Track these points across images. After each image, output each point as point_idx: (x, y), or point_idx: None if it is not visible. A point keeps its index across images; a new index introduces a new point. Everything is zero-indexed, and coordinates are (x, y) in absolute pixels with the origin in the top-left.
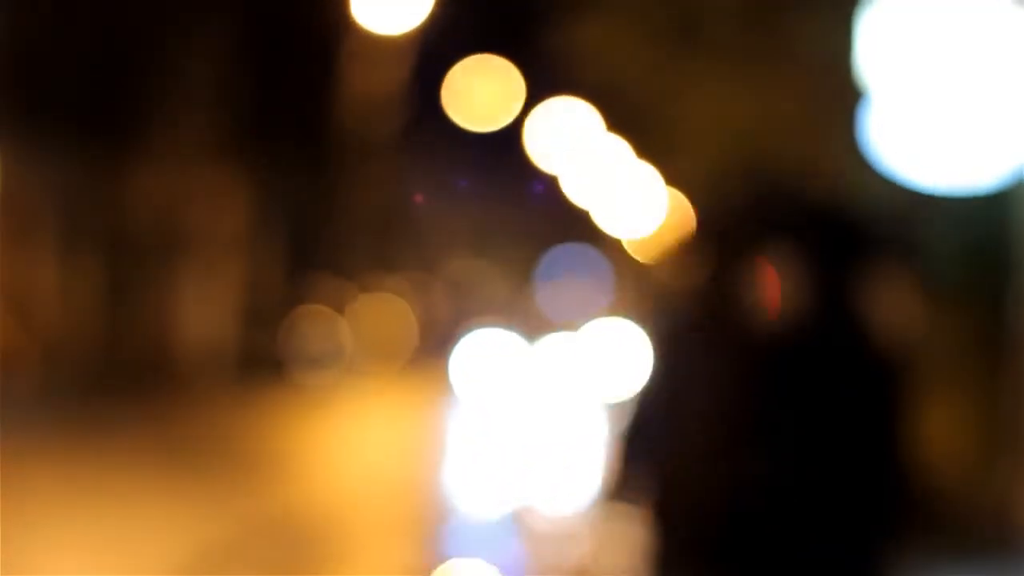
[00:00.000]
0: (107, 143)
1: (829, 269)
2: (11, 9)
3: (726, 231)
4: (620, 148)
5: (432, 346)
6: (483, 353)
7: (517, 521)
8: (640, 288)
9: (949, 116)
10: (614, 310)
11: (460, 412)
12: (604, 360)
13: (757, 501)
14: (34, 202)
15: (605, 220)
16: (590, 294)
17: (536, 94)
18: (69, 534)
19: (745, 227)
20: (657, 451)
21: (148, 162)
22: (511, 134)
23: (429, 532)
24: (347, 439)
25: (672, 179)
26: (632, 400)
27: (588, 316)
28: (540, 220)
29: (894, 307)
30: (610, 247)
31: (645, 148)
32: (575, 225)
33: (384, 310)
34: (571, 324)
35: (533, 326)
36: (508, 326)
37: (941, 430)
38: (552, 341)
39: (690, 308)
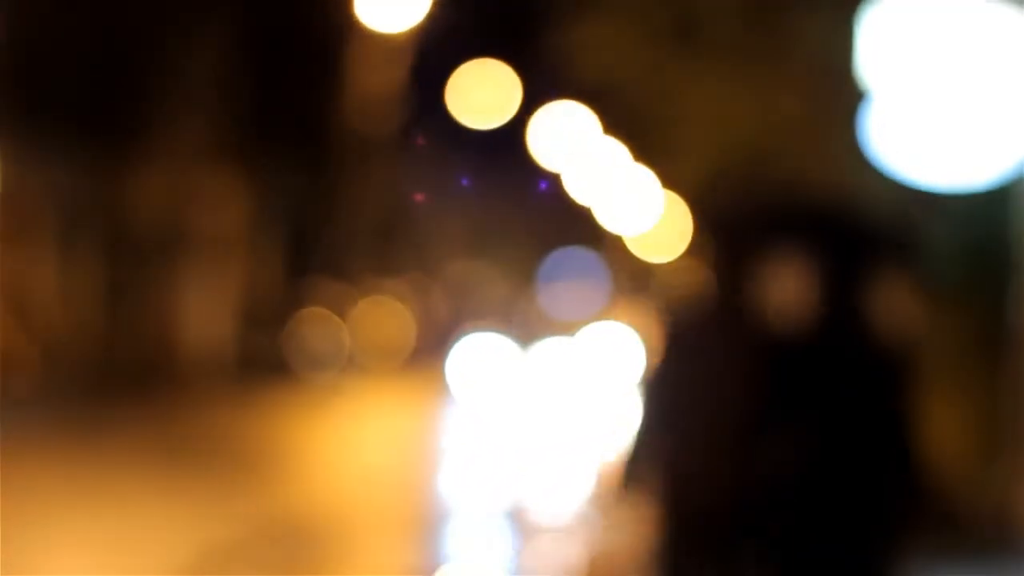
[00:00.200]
0: (108, 143)
1: (836, 269)
2: (11, 9)
3: (734, 232)
4: (617, 151)
5: (430, 349)
6: (479, 357)
7: (515, 521)
8: (642, 287)
9: (948, 115)
10: (611, 314)
11: (457, 414)
12: (601, 363)
13: (765, 497)
14: (34, 202)
15: (607, 218)
16: (589, 297)
17: (537, 97)
18: (69, 534)
19: (753, 228)
20: (665, 448)
21: (148, 162)
22: (511, 137)
23: (429, 533)
24: (346, 440)
25: (669, 182)
26: (637, 399)
27: (587, 319)
28: (540, 223)
29: (896, 306)
30: (611, 248)
31: (644, 150)
32: (576, 225)
33: (383, 313)
34: (569, 328)
35: (531, 329)
36: (504, 331)
37: (941, 430)
38: (549, 345)
39: (698, 307)
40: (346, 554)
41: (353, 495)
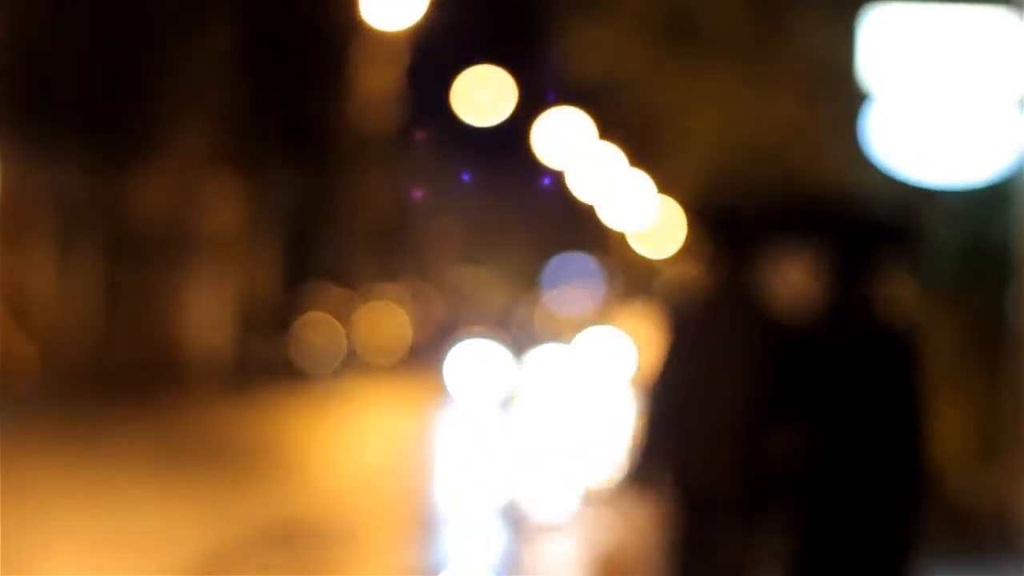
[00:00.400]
0: (108, 144)
1: (843, 264)
2: (12, 10)
3: (740, 229)
4: (615, 154)
5: (428, 351)
6: (475, 361)
7: (515, 520)
8: (643, 289)
9: (946, 114)
10: (610, 316)
11: (455, 415)
12: (597, 366)
13: (776, 487)
14: (34, 202)
15: (608, 215)
16: (589, 300)
17: (537, 101)
18: (69, 533)
19: (760, 225)
20: (674, 444)
21: (149, 163)
22: (511, 142)
23: (428, 533)
24: (345, 441)
25: (665, 185)
26: (633, 399)
27: (586, 323)
28: (541, 227)
29: (897, 299)
30: (613, 249)
31: (642, 152)
32: (578, 227)
33: (383, 317)
34: (566, 333)
35: (528, 334)
36: (500, 335)
37: (941, 430)
38: (546, 350)
39: (703, 304)
40: (347, 555)
41: (353, 496)
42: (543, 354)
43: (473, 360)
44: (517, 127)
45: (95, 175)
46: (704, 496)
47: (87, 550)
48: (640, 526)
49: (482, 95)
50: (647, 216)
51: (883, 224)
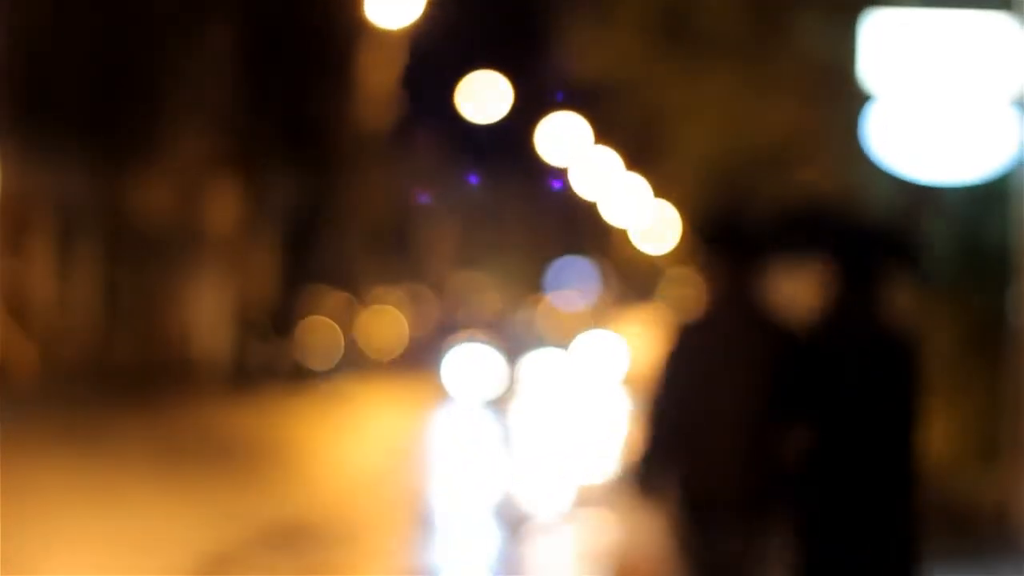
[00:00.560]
0: (108, 145)
1: (849, 268)
2: (12, 11)
3: (747, 235)
4: (613, 156)
5: (425, 355)
6: (471, 365)
7: (514, 519)
8: (644, 292)
9: (945, 114)
10: (606, 321)
11: (451, 418)
12: (593, 369)
13: (784, 488)
14: (34, 202)
15: (610, 212)
16: (587, 303)
17: (540, 104)
18: (69, 533)
19: (767, 231)
20: (680, 445)
21: (149, 164)
22: (512, 147)
23: (427, 534)
24: (344, 443)
25: (664, 186)
26: (649, 397)
27: (582, 327)
28: (540, 232)
29: (897, 303)
30: (613, 249)
31: (640, 155)
32: (578, 228)
33: (382, 321)
34: (563, 337)
35: (526, 338)
36: (496, 340)
37: (941, 430)
38: (543, 354)
39: (711, 304)
40: (346, 555)
41: (352, 497)
42: (540, 357)
43: (470, 363)
44: (518, 130)
45: (95, 175)
46: (707, 499)
47: (87, 550)
48: (641, 525)
49: (483, 98)
50: (647, 213)
51: (884, 235)
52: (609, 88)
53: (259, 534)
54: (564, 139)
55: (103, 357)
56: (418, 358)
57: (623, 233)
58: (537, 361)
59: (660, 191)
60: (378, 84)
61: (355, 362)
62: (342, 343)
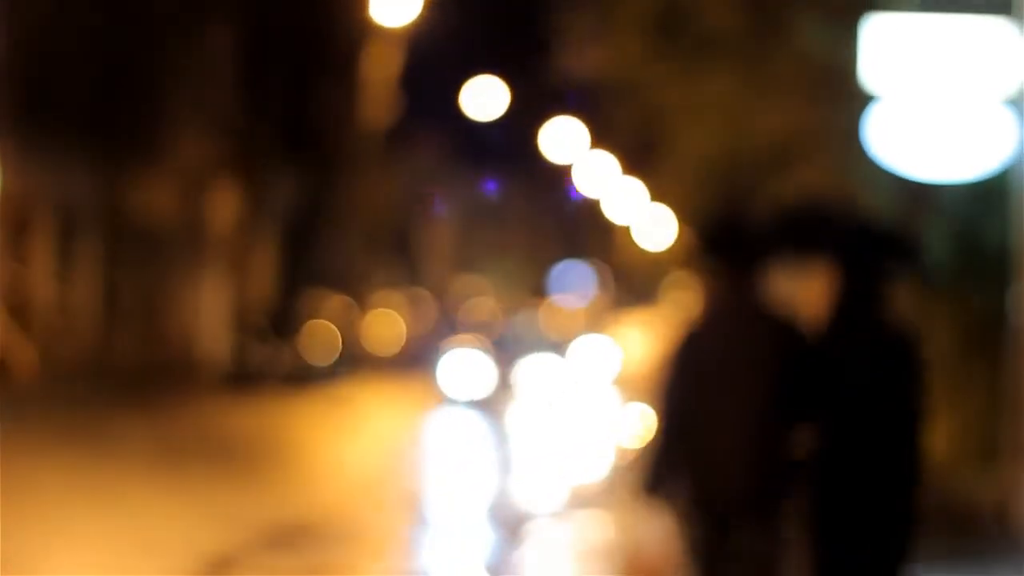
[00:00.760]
0: (109, 146)
1: (855, 267)
2: (13, 11)
3: (752, 236)
4: (612, 158)
5: (424, 358)
6: (469, 367)
7: (507, 520)
8: (645, 295)
9: (945, 115)
10: (603, 325)
11: (449, 419)
12: (589, 372)
13: (793, 484)
14: (34, 204)
15: (611, 211)
16: (586, 306)
17: (541, 106)
18: (69, 534)
19: (772, 232)
20: (689, 445)
21: (150, 165)
22: (514, 150)
23: (425, 534)
24: (343, 444)
25: (664, 187)
26: (658, 400)
27: (579, 331)
28: (540, 235)
29: (899, 302)
30: (613, 250)
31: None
32: (578, 230)
33: (381, 324)
34: (559, 341)
35: (524, 341)
36: (494, 343)
37: (941, 430)
38: (540, 356)
39: (717, 306)
40: (346, 555)
41: (352, 497)
42: (539, 359)
43: (468, 366)
44: (518, 132)
45: (96, 175)
46: (716, 497)
47: (87, 550)
48: (644, 523)
49: (484, 100)
50: (647, 212)
51: (887, 233)
52: (609, 89)
53: (259, 534)
54: (565, 141)
55: (103, 357)
56: (417, 360)
57: (624, 233)
58: (535, 363)
59: (660, 191)
60: (379, 86)
61: (354, 364)
62: (341, 345)
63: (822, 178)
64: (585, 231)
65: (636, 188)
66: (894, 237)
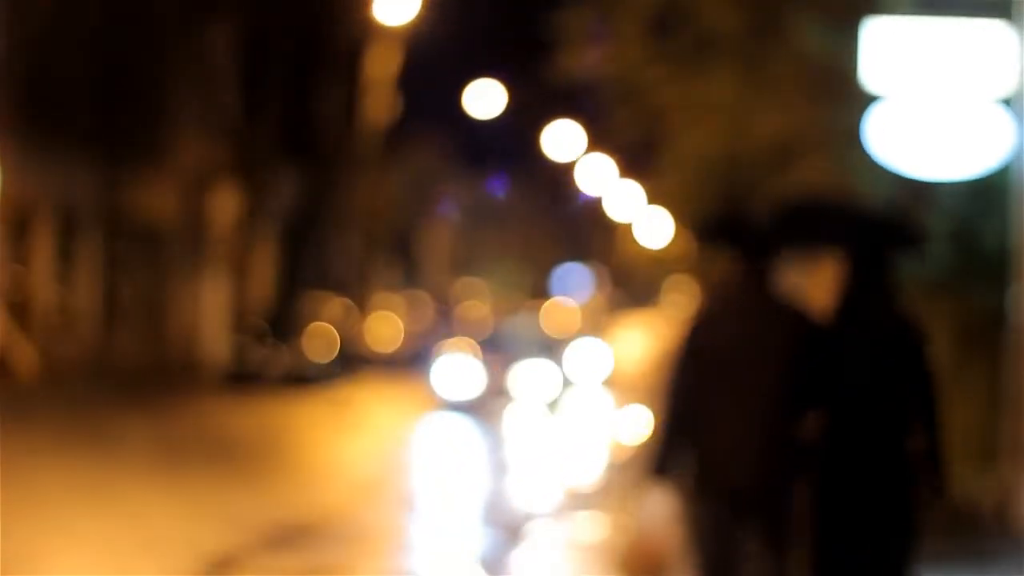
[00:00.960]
0: (109, 147)
1: (862, 259)
2: (14, 12)
3: (760, 229)
4: (612, 158)
5: (424, 359)
6: (467, 369)
7: (505, 520)
8: (647, 287)
9: (944, 115)
10: (601, 327)
11: (447, 420)
12: (586, 373)
13: (801, 471)
14: (35, 205)
15: (612, 211)
16: (584, 307)
17: (541, 108)
18: (69, 534)
19: (781, 225)
20: (699, 430)
21: (150, 166)
22: (514, 152)
23: (424, 534)
24: (342, 444)
25: (660, 189)
26: (666, 387)
27: (575, 333)
28: (540, 238)
29: (901, 294)
30: (614, 251)
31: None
32: (579, 230)
33: (380, 326)
34: (557, 343)
35: (522, 343)
36: (488, 347)
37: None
38: (538, 358)
39: (726, 295)
40: (346, 555)
41: (351, 498)
42: (536, 361)
43: (465, 368)
44: (519, 133)
45: (97, 177)
46: (724, 483)
47: (87, 550)
48: (642, 517)
49: (484, 102)
50: (647, 212)
51: (892, 223)
52: (609, 89)
53: (259, 534)
54: (565, 142)
55: (103, 358)
56: (415, 362)
57: (624, 234)
58: (533, 365)
59: (659, 192)
60: (379, 86)
61: (354, 365)
62: (341, 346)
63: (822, 178)
64: (585, 233)
65: (636, 189)
66: (898, 223)
